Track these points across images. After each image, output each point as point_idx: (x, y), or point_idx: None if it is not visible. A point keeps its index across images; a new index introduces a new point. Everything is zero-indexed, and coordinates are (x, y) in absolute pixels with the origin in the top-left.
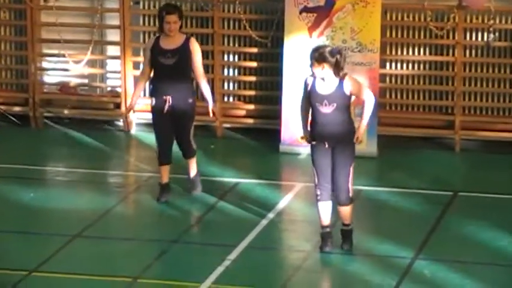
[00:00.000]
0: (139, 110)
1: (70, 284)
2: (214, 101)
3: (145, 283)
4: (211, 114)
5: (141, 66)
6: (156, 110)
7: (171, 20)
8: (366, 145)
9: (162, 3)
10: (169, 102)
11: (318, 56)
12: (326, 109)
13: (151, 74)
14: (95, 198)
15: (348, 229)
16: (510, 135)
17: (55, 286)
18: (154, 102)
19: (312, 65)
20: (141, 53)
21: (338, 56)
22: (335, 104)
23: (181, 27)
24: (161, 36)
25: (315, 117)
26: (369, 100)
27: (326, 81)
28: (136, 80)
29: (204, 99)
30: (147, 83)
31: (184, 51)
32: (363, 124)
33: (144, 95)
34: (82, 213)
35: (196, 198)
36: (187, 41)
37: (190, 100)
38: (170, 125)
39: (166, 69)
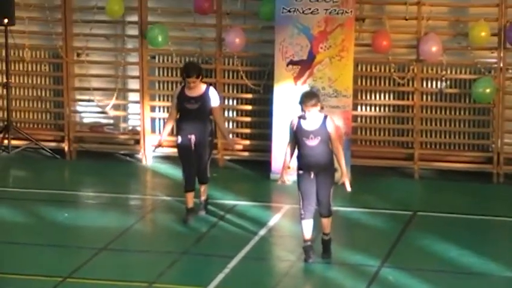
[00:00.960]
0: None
1: None
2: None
3: (159, 287)
4: (231, 148)
5: (168, 110)
6: (182, 146)
7: (191, 81)
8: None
9: (173, 58)
10: (193, 140)
11: (316, 100)
12: (312, 142)
13: (178, 117)
14: (118, 218)
15: (327, 238)
16: (460, 166)
17: None
18: (180, 140)
19: (306, 107)
20: (157, 99)
21: None
22: (319, 138)
23: (202, 77)
24: (186, 85)
25: (301, 151)
26: (339, 151)
27: (312, 119)
28: (165, 121)
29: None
30: (173, 124)
31: (205, 98)
32: (344, 170)
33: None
34: (107, 230)
35: (202, 217)
36: (207, 89)
37: (210, 138)
38: (194, 158)
39: (190, 113)
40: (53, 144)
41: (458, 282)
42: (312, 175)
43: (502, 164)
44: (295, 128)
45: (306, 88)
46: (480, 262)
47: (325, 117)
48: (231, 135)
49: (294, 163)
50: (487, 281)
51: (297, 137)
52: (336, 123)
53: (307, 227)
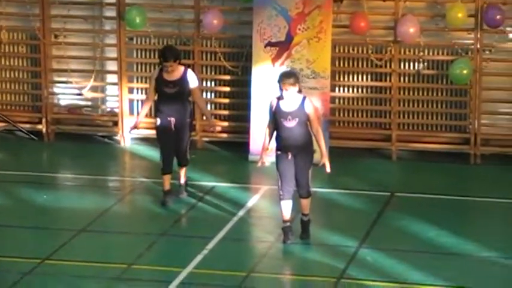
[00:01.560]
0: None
1: (76, 270)
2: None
3: (138, 269)
4: (211, 127)
5: (146, 92)
6: (161, 129)
7: (168, 65)
8: (319, 155)
9: (151, 40)
10: (173, 122)
11: (295, 79)
12: (290, 123)
13: (156, 99)
14: (97, 200)
15: (306, 219)
16: (438, 147)
17: (64, 272)
18: (159, 122)
19: (284, 86)
20: (135, 80)
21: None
22: (297, 119)
23: (180, 61)
24: (164, 68)
25: (279, 132)
26: (318, 132)
27: (290, 100)
28: (143, 102)
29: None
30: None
31: (183, 82)
32: (324, 151)
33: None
34: (86, 211)
35: (181, 199)
36: (185, 72)
37: (188, 120)
38: (172, 141)
39: (170, 96)
40: (30, 125)
41: (437, 262)
42: (290, 156)
43: (479, 145)
44: (274, 109)
45: (283, 69)
46: (458, 242)
47: (304, 98)
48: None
49: (272, 144)
50: (465, 261)
51: (275, 118)
52: (315, 105)
53: (286, 208)
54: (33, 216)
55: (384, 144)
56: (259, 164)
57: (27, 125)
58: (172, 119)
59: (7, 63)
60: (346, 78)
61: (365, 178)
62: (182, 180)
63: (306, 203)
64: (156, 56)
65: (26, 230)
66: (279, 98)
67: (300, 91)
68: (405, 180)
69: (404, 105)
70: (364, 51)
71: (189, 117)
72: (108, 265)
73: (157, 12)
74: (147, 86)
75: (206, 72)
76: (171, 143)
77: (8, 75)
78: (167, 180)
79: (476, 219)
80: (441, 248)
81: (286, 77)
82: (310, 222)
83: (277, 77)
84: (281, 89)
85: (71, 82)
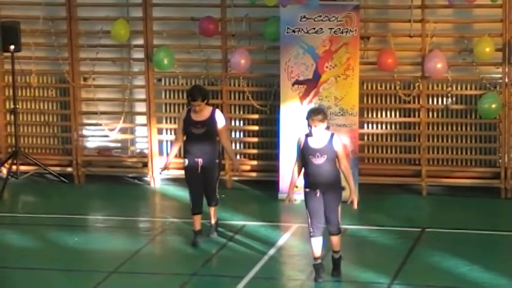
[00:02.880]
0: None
1: None
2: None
3: None
4: (235, 170)
5: (175, 133)
6: (189, 170)
7: (196, 105)
8: (348, 192)
9: (179, 81)
10: (200, 163)
11: (323, 115)
12: (319, 160)
13: (184, 139)
14: (128, 241)
15: (337, 257)
16: (467, 181)
17: None
18: (187, 163)
19: (312, 122)
20: (164, 121)
21: None
22: (326, 156)
23: (208, 100)
24: (192, 108)
25: (308, 169)
26: (347, 169)
27: (319, 137)
28: (172, 143)
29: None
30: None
31: (211, 122)
32: (352, 188)
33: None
34: (117, 253)
35: (211, 239)
36: (213, 112)
37: (217, 161)
38: (201, 181)
39: (197, 137)
40: (61, 168)
41: None
42: (318, 193)
43: (510, 178)
44: (302, 145)
45: (311, 107)
46: (490, 277)
47: (332, 135)
48: (238, 156)
49: (300, 182)
50: None
51: (303, 155)
52: (343, 142)
53: (317, 245)
54: (65, 258)
55: (414, 180)
56: (287, 202)
57: (58, 168)
58: (200, 160)
59: (37, 107)
60: (374, 115)
61: (395, 214)
62: (213, 220)
63: (336, 240)
64: (185, 96)
65: (58, 272)
66: (307, 135)
67: (327, 128)
68: (436, 216)
69: (433, 140)
70: (392, 88)
71: (217, 158)
72: None
73: (185, 53)
74: (175, 126)
75: (234, 112)
76: (200, 184)
77: (38, 119)
78: (197, 221)
79: (508, 254)
80: (474, 283)
81: (314, 114)
82: (341, 260)
83: (306, 114)
84: (309, 126)
85: (100, 124)
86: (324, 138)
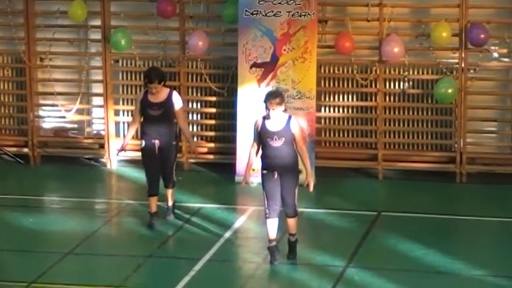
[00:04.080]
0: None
1: None
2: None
3: None
4: (192, 152)
5: (132, 114)
6: (146, 151)
7: (153, 87)
8: (305, 175)
9: (137, 62)
10: (157, 145)
11: (281, 98)
12: (276, 143)
13: (141, 121)
14: (83, 222)
15: (293, 240)
16: (423, 166)
17: None
18: (144, 144)
19: (270, 105)
20: (120, 103)
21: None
22: (283, 138)
23: (165, 82)
24: (149, 90)
25: (265, 151)
26: (304, 152)
27: (276, 120)
28: (129, 125)
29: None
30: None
31: (168, 104)
32: (309, 171)
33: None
34: (72, 234)
35: (167, 221)
36: (170, 94)
37: (174, 142)
38: (157, 163)
39: (154, 119)
40: (17, 149)
41: (424, 281)
42: (276, 175)
43: (465, 163)
44: (259, 128)
45: (267, 90)
46: (445, 261)
47: (290, 118)
48: (195, 138)
49: (257, 165)
50: (452, 279)
51: (261, 138)
52: (301, 124)
53: (272, 226)
54: (20, 239)
55: (370, 164)
56: (244, 184)
57: (13, 149)
58: (157, 142)
59: None
60: (331, 99)
61: (351, 198)
62: (169, 203)
63: (292, 222)
64: (142, 78)
65: (13, 253)
66: (265, 118)
67: (285, 110)
68: (391, 200)
69: (390, 124)
70: (350, 71)
71: (174, 139)
72: (95, 287)
73: (142, 35)
74: (133, 108)
75: (192, 94)
76: (156, 165)
77: None
78: (153, 202)
79: (463, 238)
80: (429, 266)
81: (272, 97)
82: (297, 242)
83: (263, 97)
84: (267, 109)
85: (56, 105)
86: (282, 121)
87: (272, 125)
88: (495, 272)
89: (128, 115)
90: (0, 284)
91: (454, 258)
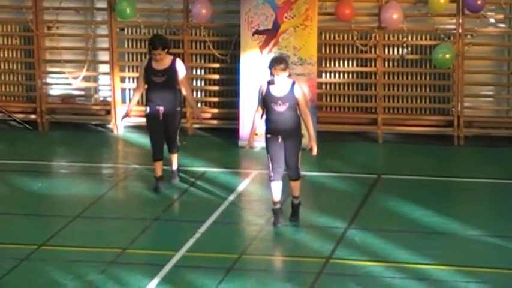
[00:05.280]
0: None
1: (72, 255)
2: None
3: (132, 253)
4: (196, 118)
5: (136, 81)
6: (150, 117)
7: (157, 53)
8: (307, 140)
9: (142, 30)
10: (161, 111)
11: (285, 64)
12: (280, 108)
13: (146, 87)
14: (91, 186)
15: (296, 202)
16: (422, 129)
17: (60, 257)
18: (148, 110)
19: (275, 71)
20: (126, 70)
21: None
22: (287, 104)
23: (168, 50)
24: (153, 57)
25: (269, 116)
26: (307, 116)
27: (280, 85)
28: (133, 91)
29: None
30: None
31: (172, 71)
32: (312, 135)
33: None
34: (80, 198)
35: (173, 185)
36: (174, 61)
37: (178, 108)
38: (162, 129)
39: (158, 85)
40: (25, 115)
41: (422, 241)
42: (280, 139)
43: (462, 127)
44: (264, 93)
45: (271, 56)
46: (443, 222)
47: (293, 83)
48: (199, 104)
49: (260, 129)
50: (450, 239)
51: (265, 103)
52: (303, 90)
53: (277, 189)
54: (29, 203)
55: (370, 128)
56: (248, 147)
57: (22, 115)
58: (161, 108)
59: (1, 55)
60: (332, 64)
61: (352, 161)
62: (174, 167)
63: (296, 185)
64: (147, 45)
65: (22, 217)
66: (269, 83)
67: (289, 76)
68: (391, 163)
69: (389, 89)
70: (350, 38)
71: (178, 106)
72: (103, 250)
73: (147, 3)
74: (138, 75)
75: (196, 61)
76: (161, 131)
77: (1, 67)
78: (159, 167)
79: (460, 199)
80: (427, 227)
81: (277, 63)
82: (300, 205)
83: (268, 63)
84: (272, 75)
85: (64, 72)
86: (286, 86)
87: (276, 90)
88: (490, 232)
89: (133, 82)
90: (11, 247)
91: (451, 219)
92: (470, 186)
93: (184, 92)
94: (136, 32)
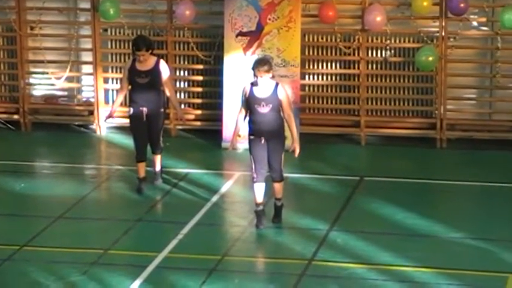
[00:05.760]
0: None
1: (54, 255)
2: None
3: (115, 254)
4: (179, 119)
5: (120, 82)
6: (134, 118)
7: (140, 54)
8: (290, 141)
9: (125, 31)
10: (145, 112)
11: (269, 66)
12: (263, 109)
13: (129, 88)
14: (73, 187)
15: (279, 204)
16: (405, 132)
17: (42, 258)
18: (132, 111)
19: (258, 73)
20: (110, 70)
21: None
22: (271, 105)
23: (152, 51)
24: (136, 58)
25: (253, 117)
26: (290, 118)
27: (264, 86)
28: (116, 92)
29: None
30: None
31: (155, 72)
32: (295, 136)
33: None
34: (63, 199)
35: (155, 186)
36: (157, 62)
37: (162, 110)
38: (145, 130)
39: (142, 86)
40: (7, 116)
41: (405, 243)
42: (263, 140)
43: (445, 129)
44: (247, 95)
45: (255, 58)
46: (425, 224)
47: (277, 84)
48: (182, 105)
49: (244, 131)
50: (433, 242)
51: (248, 104)
52: (287, 91)
53: (259, 190)
54: (11, 204)
55: (353, 130)
56: (230, 148)
57: (4, 115)
58: (145, 109)
59: None
60: (315, 66)
61: (335, 163)
62: (157, 168)
63: (278, 187)
64: (130, 46)
65: (4, 217)
66: (253, 84)
67: (272, 77)
68: (374, 165)
69: (372, 91)
70: (333, 40)
71: (162, 107)
72: (85, 251)
73: (130, 4)
74: (121, 76)
75: (179, 62)
76: (144, 132)
77: None
78: (141, 168)
79: (442, 202)
80: (409, 229)
81: (260, 64)
82: (282, 207)
83: (252, 64)
84: (255, 76)
85: (47, 73)
86: (269, 87)
87: (260, 92)
88: (473, 234)
89: (116, 82)
90: None
91: (433, 221)
92: (452, 188)
93: (167, 93)
94: (119, 32)
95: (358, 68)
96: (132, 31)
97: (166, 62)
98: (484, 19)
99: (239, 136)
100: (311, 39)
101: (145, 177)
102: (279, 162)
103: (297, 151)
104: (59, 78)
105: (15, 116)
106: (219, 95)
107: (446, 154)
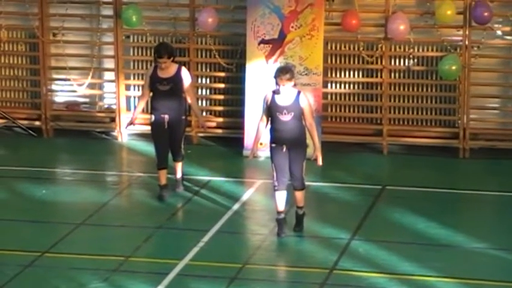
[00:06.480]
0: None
1: (75, 262)
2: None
3: (136, 261)
4: (200, 126)
5: (141, 89)
6: (155, 125)
7: (162, 62)
8: (312, 150)
9: (147, 38)
10: (166, 119)
11: (291, 74)
12: (285, 117)
13: (151, 96)
14: (95, 194)
15: (301, 213)
16: (427, 141)
17: (63, 264)
18: (153, 119)
19: (280, 81)
20: (131, 77)
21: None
22: (292, 113)
23: (174, 58)
24: (158, 65)
25: (274, 125)
26: (312, 126)
27: (286, 95)
28: (138, 99)
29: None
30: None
31: (177, 79)
32: (317, 145)
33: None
34: (84, 205)
35: (177, 193)
36: (179, 70)
37: (183, 117)
38: (167, 137)
39: (163, 94)
40: (29, 122)
41: (427, 253)
42: (285, 149)
43: (468, 139)
44: (269, 102)
45: (277, 66)
46: (447, 234)
47: (299, 92)
48: (204, 113)
49: (265, 139)
50: (455, 252)
51: (270, 112)
52: (309, 99)
53: (281, 198)
54: (33, 210)
55: (375, 139)
56: (251, 156)
57: (26, 122)
58: (166, 116)
59: (6, 61)
60: (337, 75)
61: (357, 172)
62: (178, 175)
63: (300, 195)
64: (152, 53)
65: (26, 224)
66: (275, 92)
67: (294, 85)
68: (396, 174)
69: (394, 100)
70: (356, 48)
71: (183, 114)
72: (107, 258)
73: (153, 11)
74: (143, 82)
75: (201, 69)
76: (165, 139)
77: (7, 73)
78: (163, 175)
79: (464, 212)
80: (431, 239)
81: (282, 73)
82: (304, 215)
83: (274, 73)
84: (277, 84)
85: (69, 79)
86: (291, 95)
87: (282, 100)
88: (495, 245)
89: (138, 89)
90: (15, 254)
91: (455, 231)
92: (475, 198)
93: (189, 100)
94: (142, 39)
95: (381, 77)
96: (154, 38)
97: (188, 69)
98: (508, 28)
99: (260, 144)
100: (334, 48)
101: (166, 185)
102: (300, 170)
103: (319, 160)
104: (81, 85)
105: (37, 123)
106: (241, 103)
107: (468, 164)
